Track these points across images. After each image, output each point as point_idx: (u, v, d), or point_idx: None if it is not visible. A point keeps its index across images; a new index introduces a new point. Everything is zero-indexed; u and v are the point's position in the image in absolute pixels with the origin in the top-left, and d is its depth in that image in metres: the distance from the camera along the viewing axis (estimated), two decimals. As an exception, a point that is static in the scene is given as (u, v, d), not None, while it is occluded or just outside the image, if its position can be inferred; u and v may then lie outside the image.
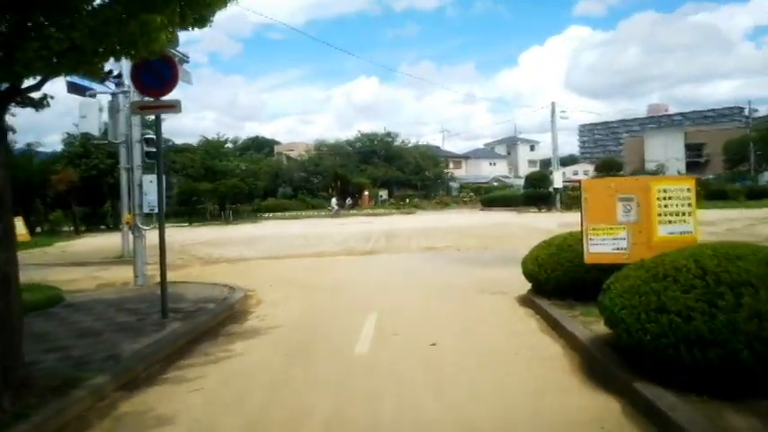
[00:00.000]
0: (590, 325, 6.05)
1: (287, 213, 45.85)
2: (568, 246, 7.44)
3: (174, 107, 7.65)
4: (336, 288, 10.35)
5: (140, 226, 10.81)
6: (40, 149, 39.39)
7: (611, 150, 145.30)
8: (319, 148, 65.06)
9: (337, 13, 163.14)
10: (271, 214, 45.47)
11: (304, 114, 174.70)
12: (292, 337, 6.82)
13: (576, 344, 5.70)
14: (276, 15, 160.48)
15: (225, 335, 7.23)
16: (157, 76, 7.54)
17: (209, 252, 17.88)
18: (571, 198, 40.46)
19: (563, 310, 6.75)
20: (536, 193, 39.88)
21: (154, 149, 15.71)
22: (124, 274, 13.17)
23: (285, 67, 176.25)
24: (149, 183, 10.65)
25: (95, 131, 10.68)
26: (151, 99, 7.70)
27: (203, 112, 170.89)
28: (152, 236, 25.41)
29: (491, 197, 48.88)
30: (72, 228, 29.20)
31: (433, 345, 6.14)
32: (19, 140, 41.68)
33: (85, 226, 33.75)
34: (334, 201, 47.93)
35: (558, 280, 7.28)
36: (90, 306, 8.73)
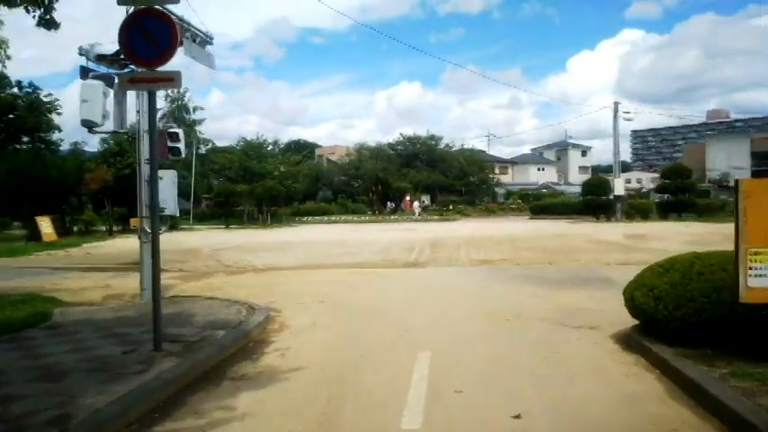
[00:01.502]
0: (757, 397, 4.02)
1: (326, 217, 44.46)
2: (698, 273, 5.38)
3: (172, 80, 5.98)
4: (376, 311, 8.50)
5: (148, 230, 9.23)
6: (87, 149, 39.24)
7: (666, 158, 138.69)
8: (360, 152, 63.53)
9: (381, 17, 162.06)
10: (309, 218, 44.17)
11: (346, 119, 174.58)
12: (316, 392, 5.00)
13: (745, 430, 3.68)
14: (320, 20, 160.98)
15: (231, 378, 5.48)
16: (151, 40, 5.88)
17: (239, 259, 16.35)
18: (632, 207, 37.62)
19: (700, 367, 4.71)
20: (595, 201, 36.94)
21: (177, 145, 14.30)
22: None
23: (328, 72, 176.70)
24: (160, 180, 9.04)
25: (98, 119, 9.17)
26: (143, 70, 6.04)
27: (247, 116, 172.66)
28: (172, 239, 24.32)
29: (542, 204, 46.26)
30: (106, 228, 28.38)
31: (517, 417, 4.21)
32: (66, 140, 41.88)
33: (122, 226, 33.07)
34: (416, 203, 47.78)
35: (686, 321, 5.23)
36: (76, 328, 7.15)
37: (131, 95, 9.48)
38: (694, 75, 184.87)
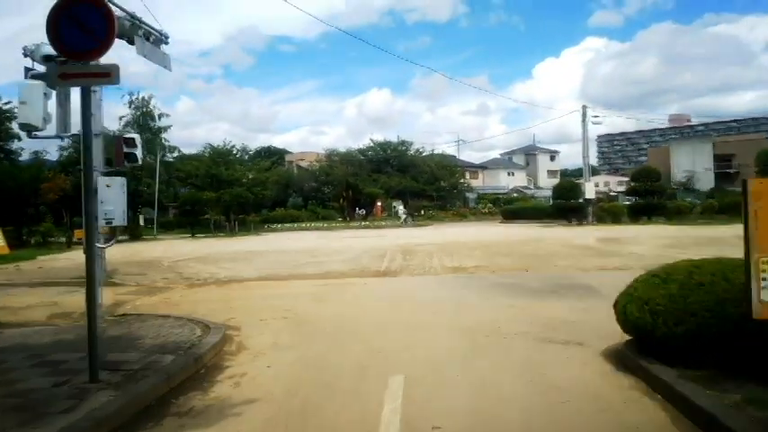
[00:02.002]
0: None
1: (295, 224, 43.50)
2: (698, 284, 4.89)
3: (109, 75, 5.21)
4: (344, 327, 7.83)
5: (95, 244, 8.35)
6: (48, 158, 37.52)
7: (632, 162, 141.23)
8: (330, 157, 62.69)
9: (350, 25, 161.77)
10: (279, 225, 43.16)
11: (316, 125, 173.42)
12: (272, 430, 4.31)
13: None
14: (290, 29, 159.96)
15: (175, 414, 4.75)
16: (85, 29, 5.13)
17: (200, 270, 15.46)
18: (603, 210, 37.74)
19: (710, 392, 4.18)
20: (566, 205, 36.92)
21: (134, 151, 13.42)
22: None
23: (297, 80, 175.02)
24: (106, 188, 8.21)
25: (39, 123, 8.29)
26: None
27: (216, 123, 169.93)
28: (131, 250, 23.25)
29: (513, 209, 46.23)
30: (65, 239, 26.94)
31: (507, 460, 3.60)
32: (28, 148, 40.07)
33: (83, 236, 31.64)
34: (401, 209, 46.64)
35: (689, 338, 4.71)
36: (7, 354, 6.29)
37: (75, 96, 8.61)
38: (655, 81, 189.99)
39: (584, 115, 37.08)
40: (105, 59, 5.31)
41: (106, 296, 11.41)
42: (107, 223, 8.11)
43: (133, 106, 47.89)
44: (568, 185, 38.59)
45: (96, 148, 8.49)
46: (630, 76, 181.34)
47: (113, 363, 5.73)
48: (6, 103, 33.07)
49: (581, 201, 36.46)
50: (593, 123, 37.18)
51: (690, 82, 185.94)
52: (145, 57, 10.31)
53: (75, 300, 11.27)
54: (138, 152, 13.45)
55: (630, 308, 5.50)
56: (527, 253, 17.57)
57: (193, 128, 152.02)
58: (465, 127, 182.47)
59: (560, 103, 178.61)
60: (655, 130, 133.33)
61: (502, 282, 11.77)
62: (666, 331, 4.84)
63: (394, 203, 56.52)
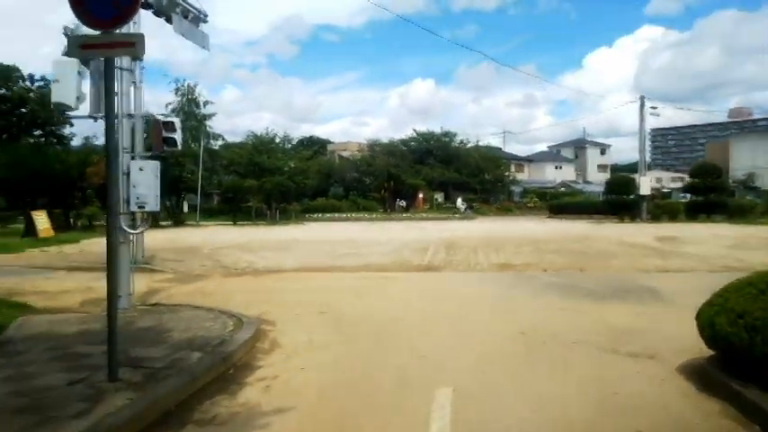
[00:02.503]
0: None
1: (336, 215, 43.25)
2: (810, 297, 4.06)
3: (133, 45, 4.75)
4: (385, 328, 7.24)
5: (126, 229, 8.04)
6: (98, 143, 38.40)
7: (687, 157, 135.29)
8: (372, 148, 62.10)
9: (396, 13, 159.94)
10: (319, 214, 43.01)
11: (359, 116, 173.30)
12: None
13: None
14: (334, 18, 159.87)
15: (197, 422, 4.28)
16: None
17: (239, 259, 15.18)
18: (658, 207, 35.85)
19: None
20: (619, 201, 35.19)
21: (173, 135, 13.14)
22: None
23: (341, 70, 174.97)
24: (139, 171, 7.87)
25: (72, 102, 8.00)
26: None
27: (260, 113, 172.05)
28: (173, 236, 23.29)
29: (561, 203, 44.65)
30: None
31: None
32: (79, 134, 41.24)
33: (127, 221, 32.24)
34: (460, 201, 45.41)
35: (801, 362, 3.91)
36: (27, 346, 5.99)
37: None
38: (715, 73, 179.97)
39: (641, 106, 35.20)
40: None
41: (141, 283, 11.26)
42: (139, 208, 7.77)
43: (179, 93, 48.65)
44: (622, 180, 36.72)
45: (129, 129, 8.17)
46: (688, 67, 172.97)
47: (136, 359, 5.32)
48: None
49: (634, 196, 34.69)
50: (651, 115, 35.21)
51: (752, 74, 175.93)
52: (183, 35, 9.95)
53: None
54: (178, 136, 13.16)
55: (720, 321, 4.72)
56: (579, 251, 16.58)
57: (238, 117, 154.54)
58: (510, 119, 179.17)
59: (612, 96, 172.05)
60: (712, 124, 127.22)
61: (554, 281, 10.95)
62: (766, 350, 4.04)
63: (436, 195, 55.70)
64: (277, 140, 46.10)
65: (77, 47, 4.85)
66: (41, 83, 37.28)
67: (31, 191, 24.26)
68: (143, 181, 7.85)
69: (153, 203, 7.95)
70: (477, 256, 15.28)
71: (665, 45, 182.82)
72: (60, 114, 26.99)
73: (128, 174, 7.90)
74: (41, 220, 20.92)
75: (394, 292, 10.00)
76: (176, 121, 13.16)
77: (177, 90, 48.71)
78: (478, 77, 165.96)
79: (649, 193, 35.44)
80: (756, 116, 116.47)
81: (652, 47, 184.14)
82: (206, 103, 50.88)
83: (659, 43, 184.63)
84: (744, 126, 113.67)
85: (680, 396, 4.62)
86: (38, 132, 39.17)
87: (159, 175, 8.12)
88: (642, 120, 35.41)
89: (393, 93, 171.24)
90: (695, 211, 34.93)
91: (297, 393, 4.83)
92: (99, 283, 11.38)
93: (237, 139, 54.01)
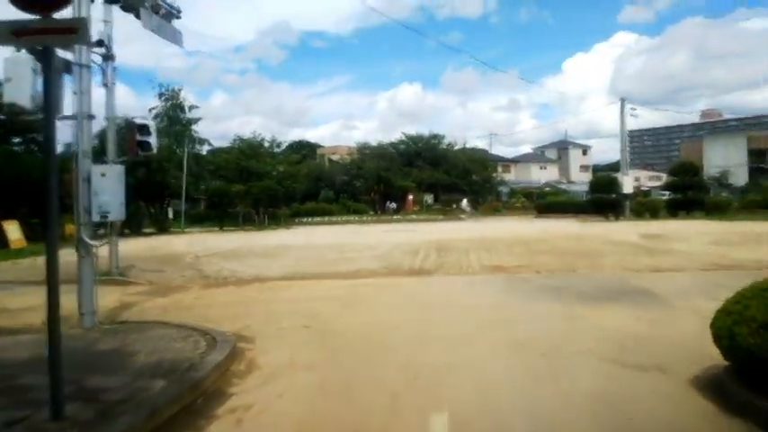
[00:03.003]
0: None
1: (326, 218, 42.67)
2: None
3: (75, 31, 4.17)
4: (374, 341, 6.71)
5: (87, 240, 7.44)
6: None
7: (663, 157, 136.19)
8: (362, 151, 61.66)
9: (383, 21, 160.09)
10: (309, 219, 42.39)
11: (348, 120, 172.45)
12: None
13: None
14: (322, 25, 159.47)
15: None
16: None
17: (222, 267, 14.55)
18: (641, 205, 35.92)
19: None
20: (603, 200, 35.19)
21: (148, 139, 12.52)
22: (100, 300, 9.94)
23: (330, 74, 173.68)
24: (101, 177, 7.26)
25: (26, 102, 7.38)
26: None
27: (250, 117, 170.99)
28: (155, 243, 22.60)
29: (547, 203, 44.48)
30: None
31: None
32: (62, 140, 40.27)
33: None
34: (465, 202, 44.11)
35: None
36: (-27, 375, 5.37)
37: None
38: (686, 76, 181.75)
39: (622, 108, 35.24)
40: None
41: (113, 297, 10.62)
42: (102, 217, 7.16)
43: (163, 98, 47.82)
44: (605, 180, 36.96)
45: (89, 131, 7.57)
46: (661, 71, 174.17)
47: (90, 391, 4.74)
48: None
49: (618, 195, 34.79)
50: (631, 116, 35.27)
51: (721, 77, 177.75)
52: (153, 32, 9.37)
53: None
54: (153, 140, 12.59)
55: (740, 330, 4.26)
56: (569, 251, 16.15)
57: (227, 121, 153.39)
58: (495, 122, 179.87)
59: (590, 99, 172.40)
60: (685, 125, 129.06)
61: (549, 284, 10.48)
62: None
63: (426, 197, 55.31)
64: (265, 144, 45.33)
65: (10, 33, 4.26)
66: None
67: (4, 200, 23.37)
68: (106, 187, 7.25)
69: (117, 212, 7.35)
70: (469, 258, 14.78)
71: (639, 50, 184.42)
72: (14, 116, 25.83)
73: (89, 180, 7.30)
74: (13, 230, 20.13)
75: (384, 301, 9.46)
76: (151, 124, 12.60)
77: (161, 95, 47.98)
78: (464, 82, 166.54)
79: (631, 191, 35.61)
80: (726, 116, 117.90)
81: (626, 52, 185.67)
82: (191, 107, 50.07)
83: (633, 49, 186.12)
84: (716, 126, 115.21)
85: (701, 419, 4.13)
86: (17, 140, 38.21)
87: (123, 180, 7.51)
88: (623, 121, 35.47)
89: (381, 97, 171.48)
90: (675, 208, 35.59)
91: (272, 428, 4.28)
92: (65, 298, 10.75)
93: (227, 144, 53.14)
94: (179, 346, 6.27)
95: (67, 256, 7.79)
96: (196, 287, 11.64)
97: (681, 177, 36.80)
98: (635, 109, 35.41)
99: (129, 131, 12.48)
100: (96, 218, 7.23)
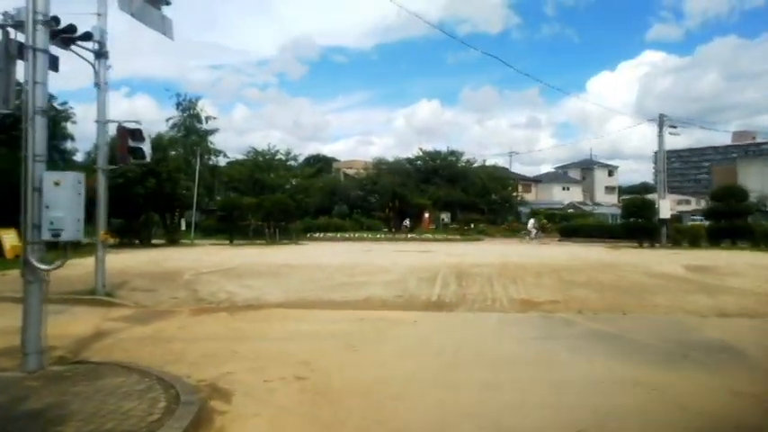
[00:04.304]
0: None
1: (338, 234, 41.24)
2: None
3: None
4: (385, 410, 5.17)
5: (35, 264, 6.04)
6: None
7: (691, 180, 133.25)
8: (378, 166, 60.32)
9: (403, 37, 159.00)
10: (321, 234, 41.00)
11: (365, 135, 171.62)
12: None
13: None
14: (343, 40, 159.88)
15: None
16: None
17: (219, 288, 13.12)
18: (679, 232, 33.55)
19: None
20: (637, 224, 32.86)
21: (141, 145, 11.26)
22: (69, 328, 8.59)
23: (349, 90, 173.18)
24: (54, 187, 5.85)
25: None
26: None
27: (269, 131, 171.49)
28: (158, 257, 21.30)
29: (572, 226, 42.40)
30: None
31: None
32: (83, 149, 39.84)
33: (119, 240, 30.22)
34: (532, 222, 41.29)
35: None
36: None
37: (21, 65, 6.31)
38: (716, 97, 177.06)
39: (660, 125, 33.09)
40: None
41: (90, 322, 9.25)
42: (54, 236, 5.73)
43: (180, 108, 47.17)
44: (640, 203, 34.30)
45: (43, 129, 6.18)
46: (689, 91, 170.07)
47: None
48: (63, 104, 33.12)
49: (654, 220, 32.41)
50: (671, 134, 33.06)
51: (753, 98, 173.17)
52: (133, 17, 8.05)
53: (49, 324, 9.08)
54: (146, 147, 11.27)
55: None
56: (608, 284, 14.44)
57: (248, 135, 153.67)
58: (514, 140, 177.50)
59: (614, 119, 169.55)
60: (715, 147, 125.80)
61: (597, 330, 8.85)
62: None
63: (442, 215, 53.68)
64: (279, 157, 44.20)
65: None
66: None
67: (4, 207, 22.31)
68: (60, 200, 5.84)
69: (72, 230, 5.92)
70: (494, 289, 13.16)
71: (666, 70, 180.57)
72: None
73: (40, 190, 5.90)
74: (10, 238, 18.99)
75: (397, 345, 7.91)
76: (144, 129, 11.30)
77: (178, 104, 47.35)
78: (482, 99, 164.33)
79: (669, 216, 33.11)
80: (760, 140, 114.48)
81: (653, 71, 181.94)
82: (208, 118, 49.35)
83: (660, 68, 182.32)
84: (747, 150, 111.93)
85: None
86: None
87: (83, 192, 6.10)
88: (662, 139, 33.31)
89: (399, 113, 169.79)
90: (718, 237, 32.68)
91: None
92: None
93: (249, 157, 52.27)
94: (130, 406, 4.79)
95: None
96: (185, 313, 10.20)
97: (725, 203, 33.99)
98: (675, 127, 32.99)
99: (121, 137, 11.22)
100: (47, 236, 5.81)
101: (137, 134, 11.07)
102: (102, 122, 11.27)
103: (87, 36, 10.18)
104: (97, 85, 11.12)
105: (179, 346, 7.65)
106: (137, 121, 11.15)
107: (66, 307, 10.43)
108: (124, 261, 19.83)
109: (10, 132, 34.68)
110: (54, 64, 10.46)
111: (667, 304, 11.44)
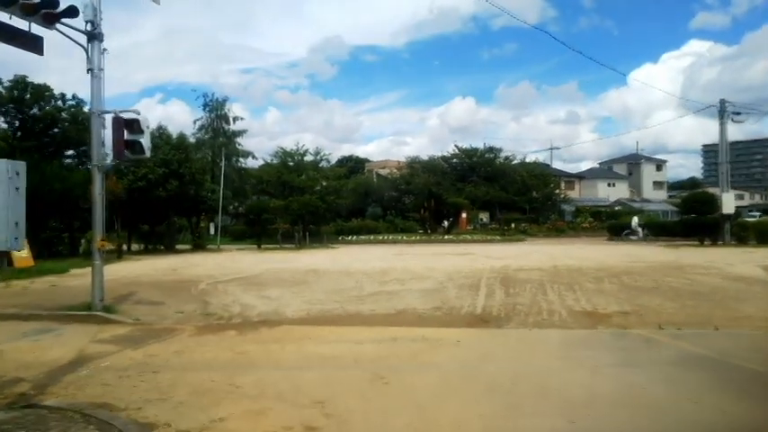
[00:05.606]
0: None
1: (372, 237, 39.74)
2: None
3: None
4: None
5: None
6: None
7: (742, 174, 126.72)
8: (412, 165, 58.35)
9: (435, 32, 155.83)
10: (354, 237, 39.59)
11: (399, 135, 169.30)
12: None
13: None
14: (375, 39, 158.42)
15: None
16: None
17: (234, 300, 11.70)
18: (745, 228, 30.69)
19: None
20: (698, 221, 30.22)
21: (139, 138, 9.97)
22: (47, 354, 7.30)
23: (382, 90, 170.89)
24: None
25: None
26: None
27: (301, 134, 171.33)
28: (175, 264, 20.07)
29: (622, 224, 39.67)
30: (117, 248, 24.51)
31: None
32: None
33: (144, 246, 29.49)
34: (635, 221, 37.60)
35: None
36: None
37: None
38: (765, 86, 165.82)
39: (721, 112, 30.20)
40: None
41: (75, 344, 7.89)
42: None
43: (208, 109, 46.50)
44: (701, 197, 31.56)
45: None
46: (736, 81, 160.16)
47: None
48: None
49: (716, 215, 29.66)
50: (735, 122, 30.09)
51: None
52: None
53: (27, 348, 7.81)
54: (145, 140, 9.91)
55: None
56: (683, 289, 12.44)
57: (280, 138, 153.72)
58: (553, 137, 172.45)
59: (658, 112, 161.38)
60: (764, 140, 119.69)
61: (688, 352, 7.01)
62: None
63: (481, 215, 51.60)
64: (308, 158, 42.92)
65: None
66: (73, 102, 35.50)
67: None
68: (11, 205, 4.41)
69: (8, 237, 4.49)
70: (549, 299, 11.34)
71: (712, 60, 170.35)
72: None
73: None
74: (22, 246, 18.14)
75: (436, 377, 6.24)
76: (142, 118, 9.96)
77: (205, 105, 46.68)
78: (519, 95, 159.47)
79: (733, 211, 30.23)
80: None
81: (698, 61, 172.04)
82: (236, 118, 48.57)
83: (706, 58, 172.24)
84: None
85: None
86: (70, 152, 37.39)
87: (22, 188, 4.67)
88: (723, 127, 30.41)
89: (433, 112, 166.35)
90: (791, 233, 29.74)
91: None
92: (15, 344, 8.11)
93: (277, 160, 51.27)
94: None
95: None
96: (187, 331, 8.77)
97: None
98: (739, 113, 30.02)
99: (116, 129, 9.90)
100: (-34, 244, 4.40)
101: (134, 125, 9.74)
102: (96, 113, 10.00)
103: (72, 12, 8.91)
104: (90, 71, 9.87)
105: (169, 377, 6.19)
106: (135, 111, 9.81)
107: (55, 325, 9.17)
108: (141, 268, 18.78)
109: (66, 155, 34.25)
110: (36, 45, 9.17)
111: (762, 315, 9.45)
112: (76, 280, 15.22)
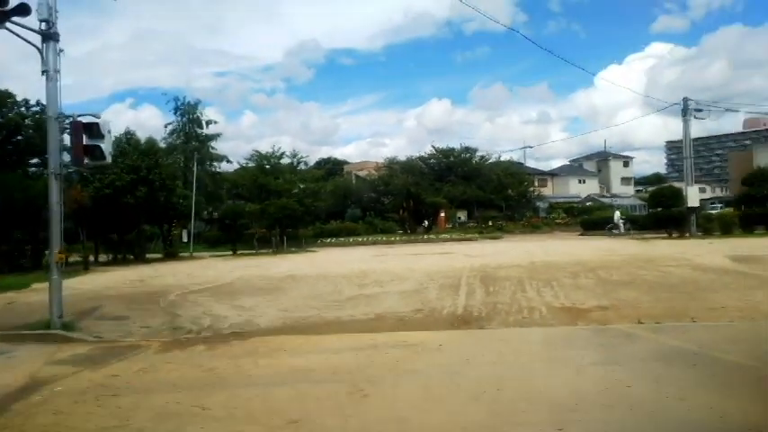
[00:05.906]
0: None
1: (351, 239, 39.38)
2: None
3: None
4: None
5: None
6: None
7: (702, 168, 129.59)
8: (390, 166, 58.22)
9: (410, 37, 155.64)
10: (333, 239, 39.17)
11: (376, 137, 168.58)
12: None
13: None
14: (354, 41, 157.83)
15: None
16: None
17: (205, 310, 11.28)
18: (708, 220, 31.42)
19: None
20: (666, 214, 30.82)
21: (99, 143, 9.51)
22: (2, 376, 6.84)
23: (358, 93, 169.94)
24: None
25: None
26: None
27: (278, 137, 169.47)
28: (145, 273, 19.42)
29: (594, 219, 40.14)
30: (83, 259, 23.64)
31: None
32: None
33: (112, 256, 28.59)
34: (617, 215, 37.18)
35: None
36: None
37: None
38: (722, 86, 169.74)
39: (684, 109, 30.76)
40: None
41: (28, 368, 7.38)
42: None
43: (179, 113, 45.35)
44: (668, 192, 32.31)
45: None
46: (696, 81, 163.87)
47: None
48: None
49: (683, 209, 30.32)
50: (697, 118, 30.70)
51: (759, 86, 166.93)
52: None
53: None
54: (106, 145, 9.44)
55: None
56: (655, 282, 12.45)
57: (257, 142, 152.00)
58: (526, 136, 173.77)
59: (623, 111, 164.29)
60: (726, 135, 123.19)
61: (670, 347, 6.89)
62: None
63: (459, 214, 51.76)
64: (285, 160, 42.40)
65: None
66: (37, 108, 34.23)
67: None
68: None
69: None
70: (528, 295, 11.20)
71: (673, 61, 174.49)
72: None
73: None
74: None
75: (419, 385, 5.97)
76: (103, 122, 9.49)
77: (177, 109, 45.49)
78: (493, 97, 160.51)
79: (698, 204, 31.00)
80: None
81: (660, 63, 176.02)
82: (209, 122, 47.53)
83: (667, 59, 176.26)
84: (764, 135, 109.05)
85: None
86: (35, 161, 36.12)
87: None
88: (687, 124, 30.98)
89: (410, 114, 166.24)
90: (750, 224, 30.75)
91: None
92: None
93: (253, 163, 50.00)
94: None
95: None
96: (152, 348, 8.33)
97: (756, 188, 32.11)
98: (700, 110, 30.60)
99: (75, 134, 9.42)
100: None
101: (94, 129, 9.28)
102: (52, 118, 9.50)
103: (23, 10, 8.43)
104: (45, 72, 9.37)
105: (129, 401, 5.78)
106: (95, 115, 9.34)
107: (7, 347, 8.63)
108: (107, 280, 18.16)
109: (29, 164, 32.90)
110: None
111: (736, 305, 9.44)
112: (37, 295, 14.47)
